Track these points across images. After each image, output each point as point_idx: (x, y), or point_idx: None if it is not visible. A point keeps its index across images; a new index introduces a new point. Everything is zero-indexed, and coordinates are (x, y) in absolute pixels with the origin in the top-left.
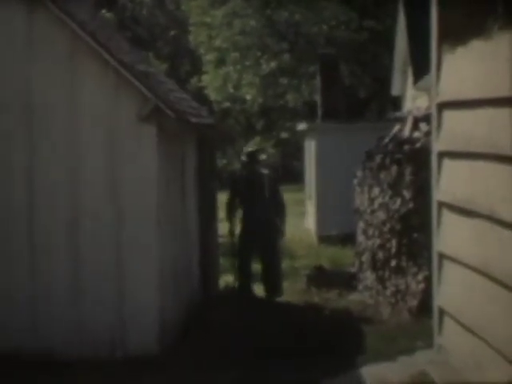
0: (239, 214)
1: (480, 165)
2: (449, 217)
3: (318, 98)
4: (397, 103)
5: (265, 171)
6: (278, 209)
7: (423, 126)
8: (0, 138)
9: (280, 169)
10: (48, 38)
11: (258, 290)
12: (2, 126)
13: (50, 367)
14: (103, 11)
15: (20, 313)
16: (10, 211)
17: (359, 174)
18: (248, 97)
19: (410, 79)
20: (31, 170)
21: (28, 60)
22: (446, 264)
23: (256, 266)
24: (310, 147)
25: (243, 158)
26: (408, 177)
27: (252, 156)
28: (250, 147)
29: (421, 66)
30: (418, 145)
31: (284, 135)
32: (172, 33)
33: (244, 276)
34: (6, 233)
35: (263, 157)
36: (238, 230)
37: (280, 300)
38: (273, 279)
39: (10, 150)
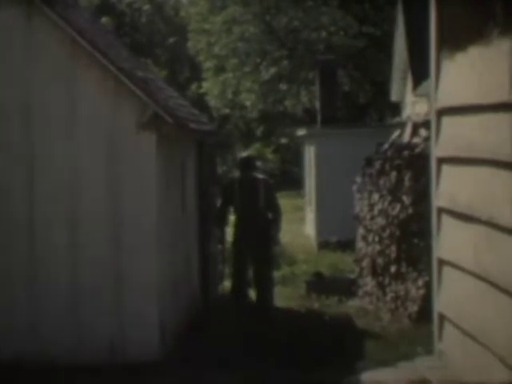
0: (231, 220)
1: (479, 170)
2: (448, 222)
3: (317, 103)
4: (396, 109)
5: (260, 177)
6: (274, 216)
7: (422, 132)
8: None
9: (277, 175)
10: (46, 44)
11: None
12: (1, 132)
13: (50, 374)
14: (102, 18)
15: (19, 319)
16: (10, 219)
17: (359, 179)
18: (247, 103)
19: (410, 85)
20: (30, 177)
21: (26, 67)
22: (446, 270)
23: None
24: (310, 153)
25: (238, 163)
26: (407, 182)
27: (246, 162)
28: (244, 153)
29: (420, 71)
30: (417, 150)
31: (283, 141)
32: (171, 39)
33: (239, 283)
34: (6, 240)
35: (259, 163)
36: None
37: (280, 306)
38: (263, 288)
39: (8, 157)
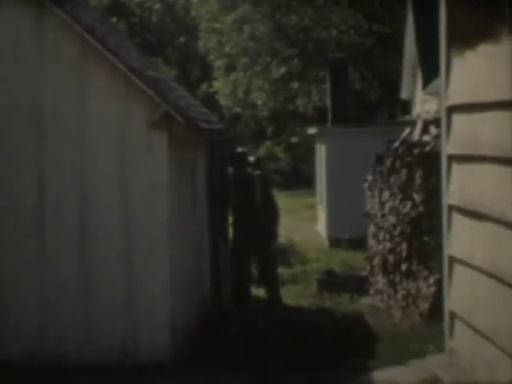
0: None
1: (489, 168)
2: (459, 220)
3: (327, 102)
4: (406, 107)
5: (255, 173)
6: (271, 212)
7: (433, 130)
8: (10, 144)
9: (288, 174)
10: (57, 44)
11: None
12: (12, 133)
13: (60, 374)
14: (113, 18)
15: (31, 319)
16: (21, 218)
17: (369, 177)
18: (258, 102)
19: (420, 83)
20: (41, 176)
21: (37, 66)
22: (457, 267)
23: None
24: (321, 151)
25: (229, 160)
26: (418, 180)
27: (240, 157)
28: (237, 149)
29: (430, 69)
30: (427, 148)
31: (294, 140)
32: (182, 39)
33: (240, 281)
34: (17, 239)
35: (251, 158)
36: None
37: (291, 304)
38: (268, 286)
39: (20, 157)
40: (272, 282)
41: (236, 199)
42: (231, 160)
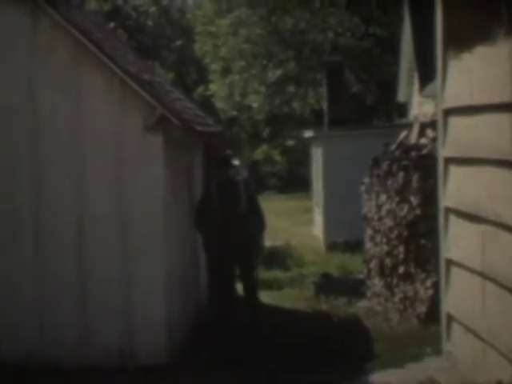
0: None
1: (486, 170)
2: (456, 223)
3: (324, 105)
4: (403, 109)
5: (239, 179)
6: (256, 219)
7: (430, 132)
8: (6, 147)
9: (284, 177)
10: (52, 47)
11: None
12: (8, 136)
13: (58, 375)
14: (111, 23)
15: (27, 321)
16: (16, 220)
17: (366, 180)
18: (254, 105)
19: (416, 85)
20: (37, 179)
21: (32, 70)
22: (454, 270)
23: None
24: (317, 154)
25: (215, 162)
26: (415, 183)
27: (224, 161)
28: (222, 152)
29: (427, 71)
30: (424, 151)
31: (291, 143)
32: (178, 42)
33: (220, 293)
34: (13, 241)
35: (236, 162)
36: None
37: (287, 308)
38: (247, 292)
39: (15, 160)
40: (251, 290)
41: (219, 206)
42: (215, 163)
